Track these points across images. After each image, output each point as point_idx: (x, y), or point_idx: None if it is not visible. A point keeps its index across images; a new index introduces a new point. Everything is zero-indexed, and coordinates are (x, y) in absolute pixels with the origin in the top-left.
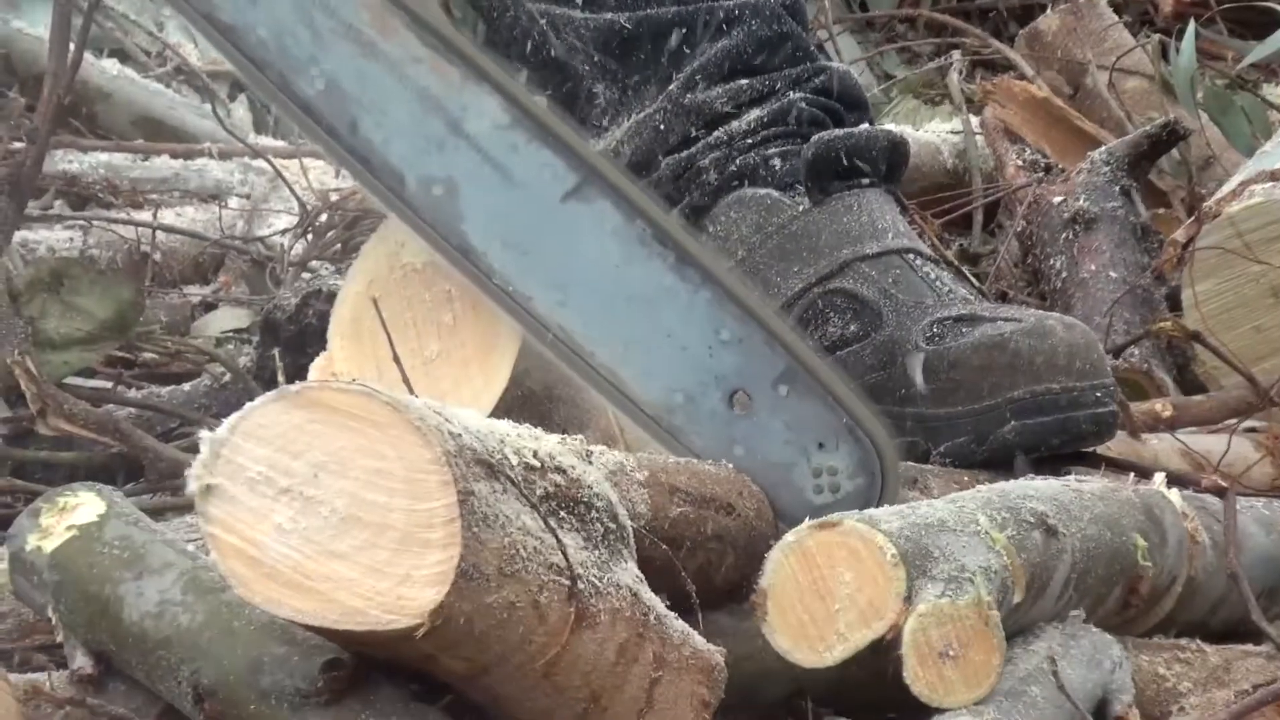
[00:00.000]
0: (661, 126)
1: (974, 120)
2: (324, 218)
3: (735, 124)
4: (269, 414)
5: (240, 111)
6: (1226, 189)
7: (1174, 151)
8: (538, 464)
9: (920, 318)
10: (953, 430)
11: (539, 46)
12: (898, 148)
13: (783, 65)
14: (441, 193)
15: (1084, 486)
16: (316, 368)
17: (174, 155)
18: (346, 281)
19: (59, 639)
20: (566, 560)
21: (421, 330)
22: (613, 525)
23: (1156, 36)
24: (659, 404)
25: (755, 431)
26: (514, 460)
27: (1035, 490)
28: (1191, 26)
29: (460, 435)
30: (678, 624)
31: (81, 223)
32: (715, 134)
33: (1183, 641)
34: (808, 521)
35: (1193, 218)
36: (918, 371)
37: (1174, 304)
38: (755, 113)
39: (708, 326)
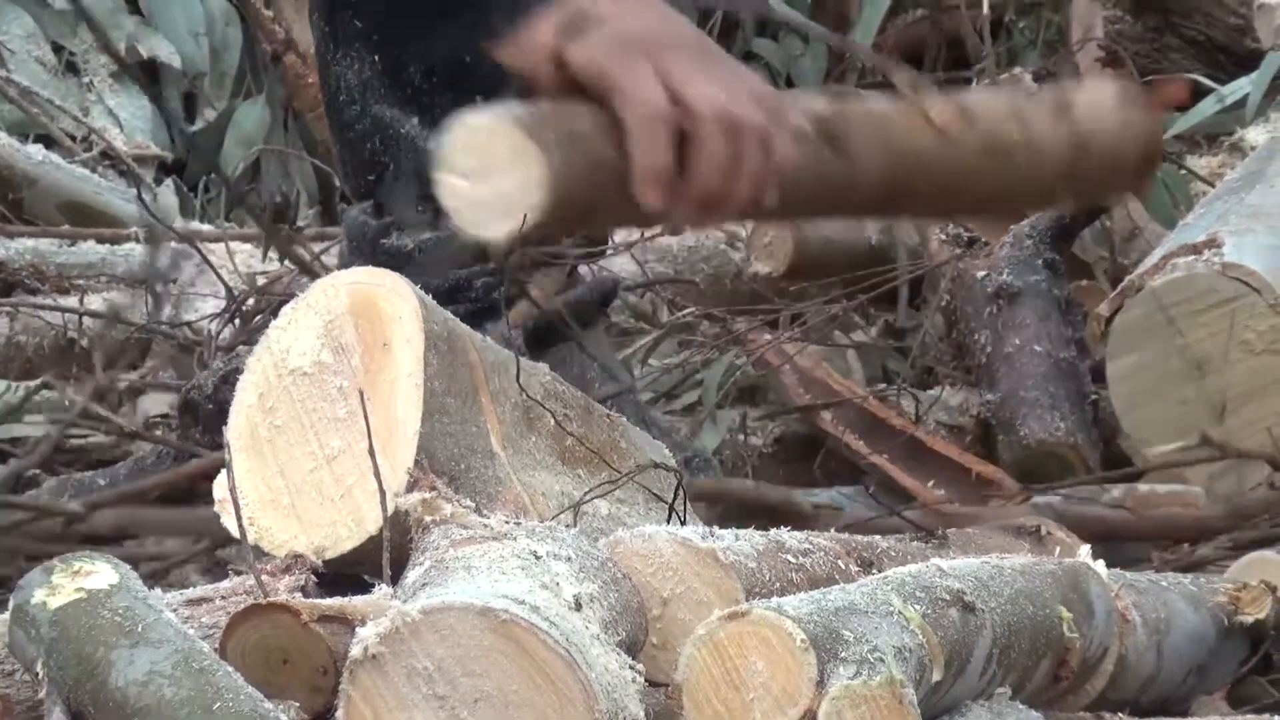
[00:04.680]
0: None
1: None
2: (251, 302)
3: None
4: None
5: (167, 196)
6: (1149, 262)
7: (1097, 223)
8: None
9: None
10: None
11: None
12: None
13: None
14: None
15: (1005, 562)
16: (219, 484)
17: (100, 240)
18: (237, 396)
19: (40, 695)
20: None
21: (319, 430)
22: None
23: None
24: None
25: None
26: None
27: (952, 569)
28: None
29: None
30: None
31: (8, 309)
32: None
33: (1105, 714)
34: (717, 613)
35: (1116, 291)
36: None
37: (1098, 377)
38: None
39: None
